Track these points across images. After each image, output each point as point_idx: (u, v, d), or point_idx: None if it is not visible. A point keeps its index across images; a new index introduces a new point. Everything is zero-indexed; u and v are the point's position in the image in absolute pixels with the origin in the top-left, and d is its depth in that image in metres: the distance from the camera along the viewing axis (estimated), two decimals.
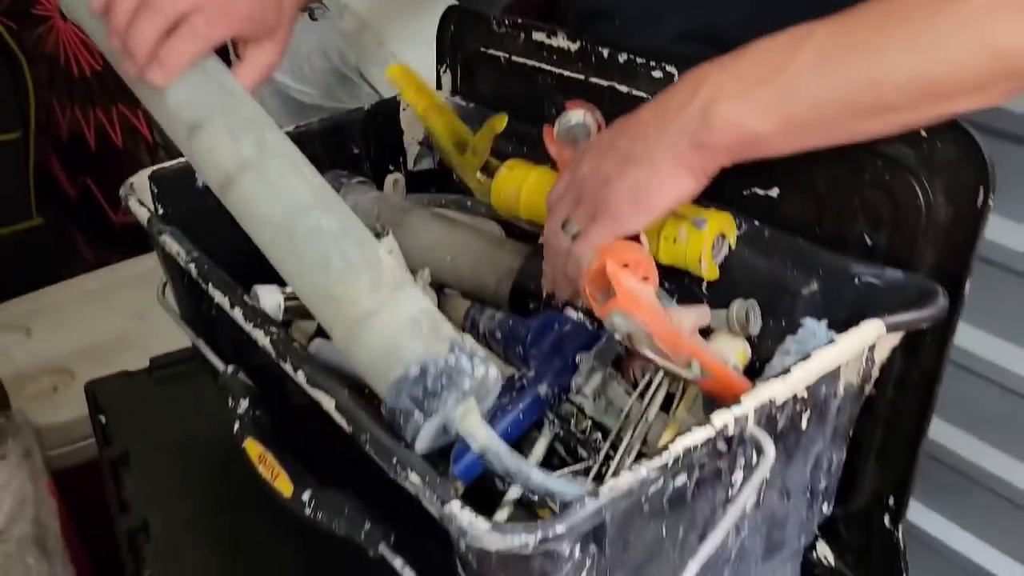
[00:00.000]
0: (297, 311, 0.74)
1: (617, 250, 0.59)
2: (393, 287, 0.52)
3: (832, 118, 0.52)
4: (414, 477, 0.45)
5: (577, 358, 0.62)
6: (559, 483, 0.45)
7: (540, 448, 0.62)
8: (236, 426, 0.70)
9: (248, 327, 0.59)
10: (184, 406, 0.91)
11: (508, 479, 0.46)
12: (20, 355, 1.34)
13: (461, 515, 0.42)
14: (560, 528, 0.41)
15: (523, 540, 0.41)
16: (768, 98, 0.52)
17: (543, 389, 0.61)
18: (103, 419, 0.90)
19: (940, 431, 1.05)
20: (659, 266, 0.63)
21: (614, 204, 0.58)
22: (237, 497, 0.79)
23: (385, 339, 0.50)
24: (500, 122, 0.76)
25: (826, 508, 0.64)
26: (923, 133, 0.55)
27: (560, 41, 0.78)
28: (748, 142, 0.54)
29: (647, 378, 0.62)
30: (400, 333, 0.50)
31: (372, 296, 0.51)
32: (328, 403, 0.51)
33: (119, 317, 1.42)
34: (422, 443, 0.48)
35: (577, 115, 0.70)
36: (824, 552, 0.69)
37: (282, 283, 0.71)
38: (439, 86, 0.93)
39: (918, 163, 0.56)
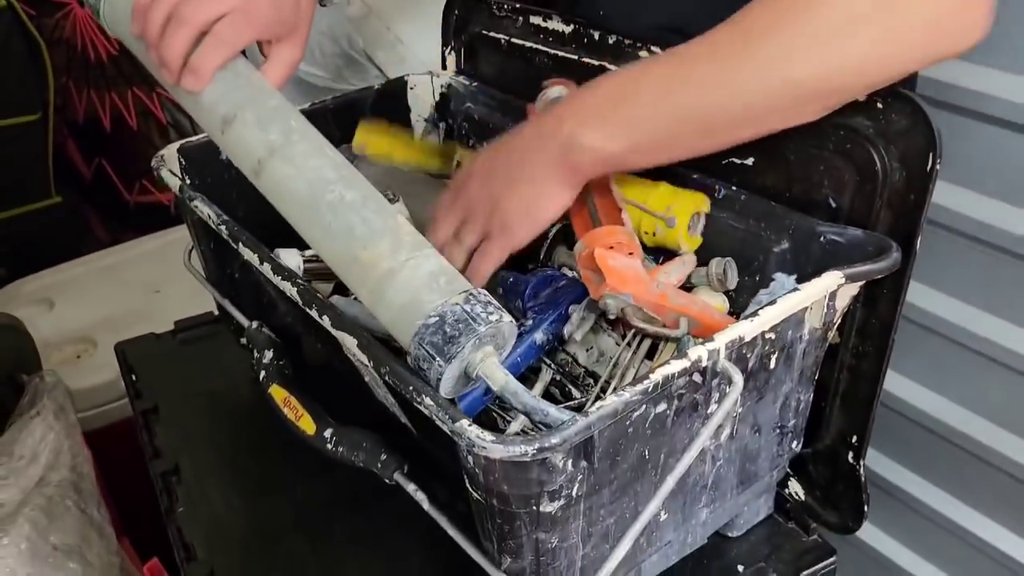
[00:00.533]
0: (314, 272, 0.80)
1: (601, 235, 0.66)
2: (412, 248, 0.57)
3: (671, 140, 0.62)
4: (428, 401, 0.52)
5: (569, 308, 0.69)
6: (571, 414, 0.50)
7: (538, 389, 0.69)
8: (262, 375, 0.78)
9: (277, 280, 0.65)
10: (207, 363, 0.98)
11: (525, 415, 0.51)
12: (44, 326, 1.41)
13: (470, 430, 0.49)
14: (554, 439, 0.48)
15: (522, 449, 0.48)
16: (617, 126, 0.61)
17: (539, 336, 0.68)
18: (133, 376, 0.96)
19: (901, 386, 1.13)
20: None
21: (507, 220, 0.65)
22: (258, 443, 0.86)
23: (407, 294, 0.54)
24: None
25: (796, 445, 0.71)
26: (879, 105, 0.62)
27: (555, 24, 0.84)
28: (607, 160, 0.63)
29: (634, 330, 0.70)
30: (420, 288, 0.55)
31: (393, 257, 0.56)
32: (351, 342, 0.58)
33: (136, 290, 1.49)
34: (446, 387, 0.53)
35: (556, 91, 0.77)
36: (795, 488, 0.76)
37: (300, 248, 0.78)
38: (444, 66, 1.00)
39: (875, 133, 0.63)
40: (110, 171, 1.91)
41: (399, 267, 0.56)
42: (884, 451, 1.19)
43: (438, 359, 0.52)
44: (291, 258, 0.80)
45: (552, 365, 0.70)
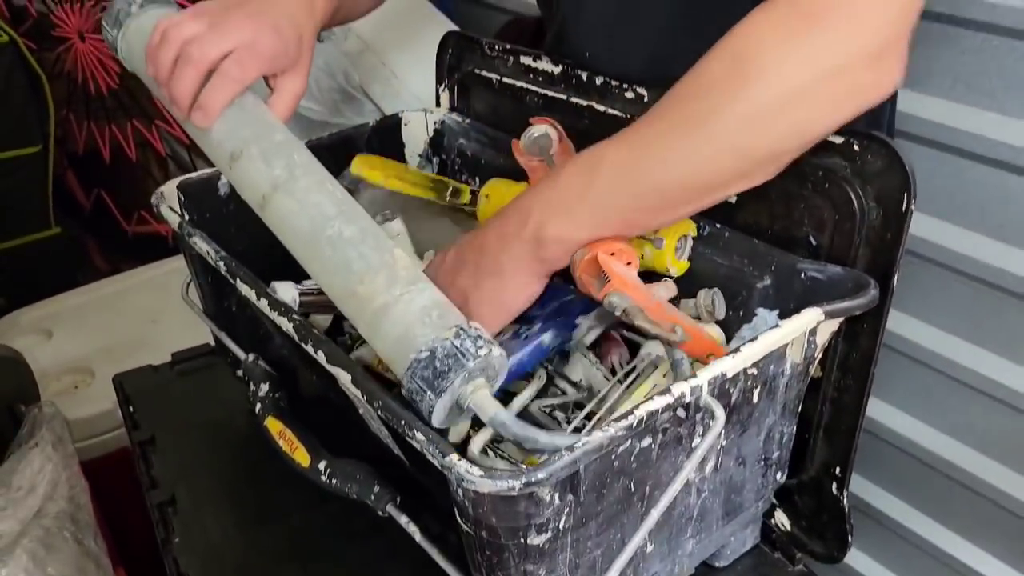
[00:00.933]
0: (311, 305, 0.82)
1: (603, 243, 0.68)
2: (406, 282, 0.59)
3: (635, 219, 0.64)
4: (419, 436, 0.53)
5: (578, 319, 0.70)
6: (562, 438, 0.52)
7: (531, 390, 0.71)
8: (258, 407, 0.79)
9: (273, 315, 0.67)
10: (204, 396, 1.00)
11: (516, 444, 0.53)
12: (42, 356, 1.42)
13: (459, 465, 0.51)
14: (541, 475, 0.49)
15: (510, 484, 0.49)
16: (582, 215, 0.63)
17: (547, 338, 0.68)
18: (131, 407, 0.98)
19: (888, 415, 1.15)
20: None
21: (476, 313, 0.66)
22: (254, 473, 0.87)
23: (400, 328, 0.56)
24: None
25: (780, 477, 0.73)
26: (856, 147, 0.64)
27: (544, 64, 0.87)
28: (571, 245, 0.64)
29: (624, 368, 0.71)
30: (413, 323, 0.56)
31: (388, 291, 0.58)
32: (345, 377, 0.60)
33: (134, 320, 1.51)
34: (438, 418, 0.54)
35: (540, 128, 0.79)
36: (781, 519, 0.77)
37: (296, 280, 0.80)
38: (438, 103, 1.02)
39: (852, 174, 0.65)
40: (109, 202, 1.93)
41: (394, 301, 0.57)
42: (871, 478, 1.20)
43: (429, 393, 0.54)
44: (287, 292, 0.81)
45: (548, 366, 0.71)
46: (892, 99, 0.86)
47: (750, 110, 0.58)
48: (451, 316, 0.57)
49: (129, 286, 1.62)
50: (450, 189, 0.89)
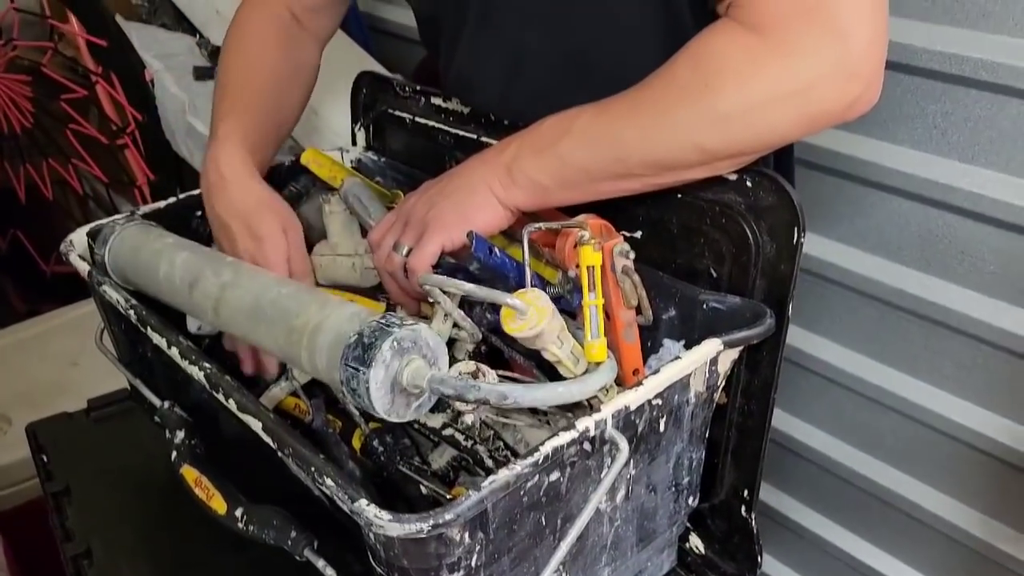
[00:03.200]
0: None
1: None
2: (337, 304, 0.61)
3: (594, 179, 0.68)
4: (329, 482, 0.54)
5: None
6: (504, 386, 0.55)
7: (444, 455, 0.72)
8: (174, 455, 0.78)
9: (184, 364, 0.67)
10: (121, 443, 0.98)
11: (459, 398, 0.55)
12: None
13: (368, 510, 0.51)
14: (448, 516, 0.51)
15: (418, 527, 0.50)
16: (549, 162, 0.68)
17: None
18: (44, 457, 0.96)
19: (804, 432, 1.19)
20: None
21: (442, 218, 0.70)
22: (172, 521, 0.86)
23: (332, 334, 0.58)
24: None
25: (692, 501, 0.75)
26: (748, 184, 0.67)
27: (454, 105, 0.88)
28: (537, 190, 0.69)
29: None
30: (342, 325, 0.58)
31: (320, 312, 0.60)
32: (256, 425, 0.60)
33: (53, 364, 1.47)
34: (380, 402, 0.54)
35: None
36: (696, 542, 0.79)
37: None
38: (354, 142, 1.03)
39: (747, 209, 0.68)
40: (26, 242, 1.89)
41: (324, 318, 0.60)
42: (789, 492, 1.24)
43: (361, 369, 0.54)
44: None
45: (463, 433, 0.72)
46: None
47: (710, 116, 0.62)
48: (379, 312, 0.58)
49: (48, 328, 1.58)
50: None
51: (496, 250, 0.70)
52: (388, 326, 0.55)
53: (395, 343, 0.54)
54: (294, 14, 0.94)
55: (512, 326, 0.64)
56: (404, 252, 0.71)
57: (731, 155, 0.65)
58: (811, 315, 1.11)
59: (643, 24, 0.75)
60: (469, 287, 0.64)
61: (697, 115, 0.63)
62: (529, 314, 0.62)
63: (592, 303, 0.65)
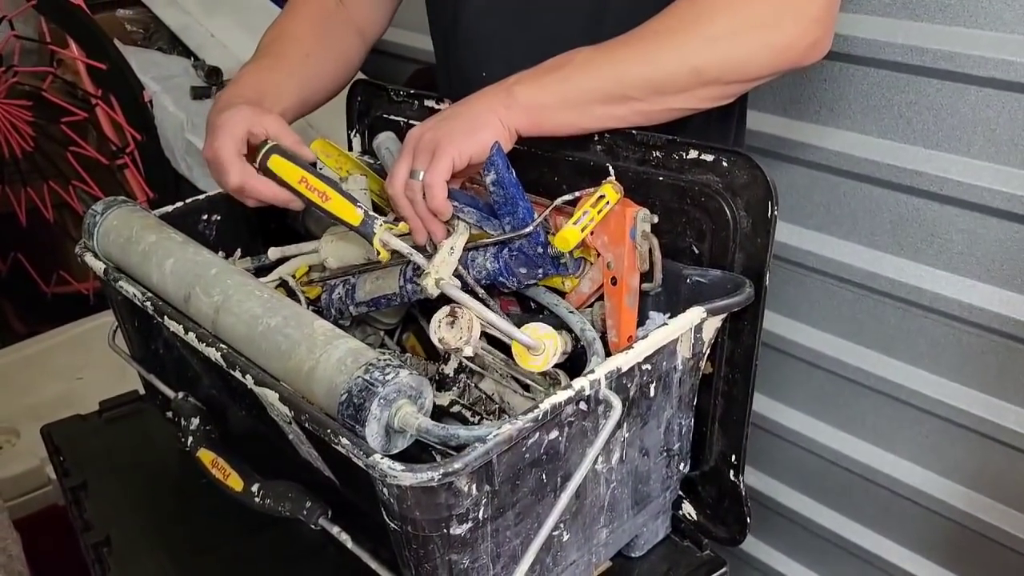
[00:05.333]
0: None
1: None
2: (324, 344, 0.65)
3: (592, 100, 0.76)
4: (344, 441, 0.58)
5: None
6: (480, 430, 0.58)
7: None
8: (190, 440, 0.83)
9: (202, 347, 0.71)
10: (133, 439, 1.02)
11: (443, 445, 0.58)
12: None
13: (381, 463, 0.56)
14: (457, 465, 0.55)
15: (429, 475, 0.54)
16: (549, 84, 0.76)
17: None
18: (60, 456, 0.99)
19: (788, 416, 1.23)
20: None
21: (451, 134, 0.75)
22: (187, 509, 0.89)
23: (325, 384, 0.63)
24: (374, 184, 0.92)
25: (683, 467, 0.79)
26: (725, 164, 0.72)
27: (445, 107, 0.93)
28: (537, 110, 0.76)
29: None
30: (333, 375, 0.62)
31: (310, 357, 0.65)
32: (272, 396, 0.64)
33: (57, 378, 1.50)
34: (377, 447, 0.59)
35: None
36: (688, 509, 0.84)
37: None
38: (350, 148, 1.08)
39: (724, 188, 0.73)
40: (26, 264, 1.92)
41: (315, 363, 0.64)
42: (774, 475, 1.28)
43: (356, 427, 0.59)
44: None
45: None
46: (741, 117, 0.97)
47: (702, 36, 0.74)
48: (363, 356, 0.62)
49: (52, 345, 1.61)
50: None
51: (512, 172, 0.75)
52: (373, 384, 0.59)
53: (381, 400, 0.58)
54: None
55: (532, 364, 0.72)
56: (420, 177, 0.75)
57: (716, 78, 0.75)
58: (790, 302, 1.16)
59: None
60: (485, 312, 0.71)
61: (692, 37, 0.74)
62: (545, 350, 0.70)
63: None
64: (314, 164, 0.84)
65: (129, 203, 0.87)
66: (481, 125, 0.75)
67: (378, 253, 0.76)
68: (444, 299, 0.74)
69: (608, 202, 0.72)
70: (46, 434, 1.03)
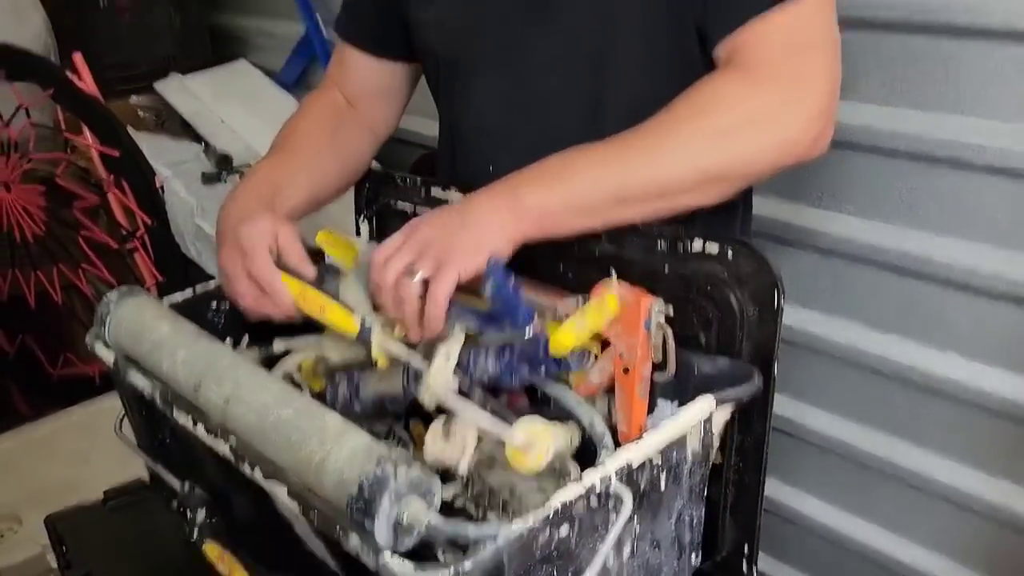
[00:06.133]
0: None
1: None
2: (335, 437, 0.65)
3: (599, 204, 0.77)
4: (354, 539, 0.58)
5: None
6: (488, 527, 0.57)
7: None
8: (195, 533, 0.82)
9: (210, 439, 0.71)
10: (138, 530, 1.00)
11: (453, 544, 0.58)
12: None
13: (392, 562, 0.55)
14: (468, 565, 0.54)
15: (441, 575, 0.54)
16: (555, 188, 0.76)
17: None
18: (63, 547, 0.98)
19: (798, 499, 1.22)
20: None
21: (461, 250, 0.74)
22: None
23: (335, 476, 0.62)
24: None
25: (695, 559, 0.78)
26: (730, 255, 0.73)
27: (452, 195, 0.95)
28: (545, 216, 0.76)
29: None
30: (344, 468, 0.62)
31: (321, 449, 0.65)
32: (281, 491, 0.64)
33: (63, 463, 1.49)
34: (385, 543, 0.58)
35: None
36: None
37: None
38: (358, 233, 1.09)
39: (729, 277, 0.74)
40: (34, 346, 1.92)
41: (326, 455, 0.64)
42: (789, 562, 1.26)
43: (366, 522, 0.58)
44: None
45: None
46: (747, 204, 0.98)
47: (706, 132, 0.75)
48: (374, 450, 0.62)
49: (57, 428, 1.61)
50: None
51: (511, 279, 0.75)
52: (384, 480, 0.59)
53: (392, 495, 0.58)
54: (348, 99, 1.04)
55: (529, 465, 0.70)
56: (418, 278, 0.75)
57: (721, 175, 0.76)
58: (800, 384, 1.16)
59: (656, 65, 0.85)
60: (479, 416, 0.71)
61: (695, 133, 0.75)
62: (536, 445, 0.69)
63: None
64: (320, 258, 0.85)
65: (142, 292, 0.88)
66: (487, 238, 0.75)
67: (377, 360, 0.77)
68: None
69: (608, 312, 0.72)
70: (49, 525, 1.01)
